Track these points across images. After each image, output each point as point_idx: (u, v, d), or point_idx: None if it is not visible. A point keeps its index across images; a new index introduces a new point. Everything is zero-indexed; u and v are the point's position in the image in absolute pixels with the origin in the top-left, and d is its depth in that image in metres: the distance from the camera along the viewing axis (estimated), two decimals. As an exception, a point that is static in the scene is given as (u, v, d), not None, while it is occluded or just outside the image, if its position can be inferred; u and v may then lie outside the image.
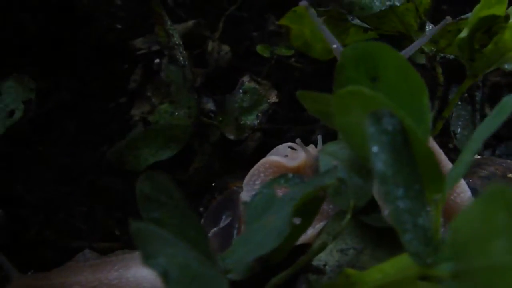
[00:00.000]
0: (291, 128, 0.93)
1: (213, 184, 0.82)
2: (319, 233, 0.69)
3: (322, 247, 0.65)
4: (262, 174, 0.72)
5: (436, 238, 0.55)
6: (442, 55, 0.82)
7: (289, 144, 0.76)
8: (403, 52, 0.69)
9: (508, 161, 0.80)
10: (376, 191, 0.65)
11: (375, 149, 0.49)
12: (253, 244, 0.58)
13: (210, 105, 0.90)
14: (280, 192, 0.63)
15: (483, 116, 1.01)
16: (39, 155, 0.90)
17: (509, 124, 1.02)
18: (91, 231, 0.87)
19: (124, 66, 0.96)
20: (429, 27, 0.83)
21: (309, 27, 0.90)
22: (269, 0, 1.01)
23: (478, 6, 0.72)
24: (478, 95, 0.93)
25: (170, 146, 0.88)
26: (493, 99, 1.04)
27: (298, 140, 0.75)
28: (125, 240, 0.86)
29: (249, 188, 0.72)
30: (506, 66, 0.78)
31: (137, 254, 0.76)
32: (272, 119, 0.92)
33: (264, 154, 0.91)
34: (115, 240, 0.86)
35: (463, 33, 0.73)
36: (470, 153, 0.55)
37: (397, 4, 0.74)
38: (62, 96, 0.93)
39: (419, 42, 0.67)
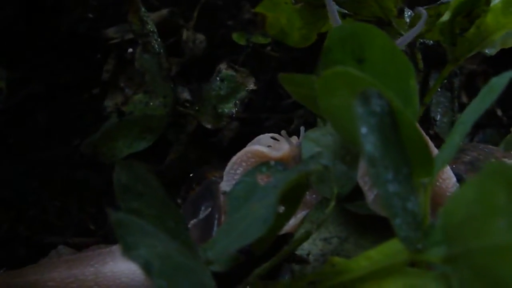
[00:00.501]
0: (269, 117, 0.91)
1: (191, 175, 0.80)
2: (302, 222, 0.68)
3: (306, 236, 0.63)
4: (244, 163, 0.70)
5: (425, 222, 0.54)
6: (421, 40, 0.81)
7: (271, 134, 0.75)
8: (398, 42, 0.67)
9: (490, 146, 0.79)
10: (360, 177, 0.64)
11: (363, 130, 0.48)
12: (236, 234, 0.56)
13: (185, 95, 0.88)
14: (262, 181, 0.61)
15: (460, 104, 1.01)
16: (9, 148, 0.87)
17: (487, 112, 1.02)
18: (65, 226, 0.84)
19: (96, 56, 0.93)
20: (407, 13, 0.82)
21: (285, 15, 0.89)
22: (242, -13, 0.99)
23: (460, -11, 0.71)
24: (456, 82, 0.92)
25: (146, 137, 0.85)
26: (469, 87, 1.04)
27: (283, 131, 0.73)
28: (101, 235, 0.83)
29: (229, 178, 0.70)
30: (487, 51, 0.77)
31: (114, 248, 0.74)
32: (249, 108, 0.90)
33: (241, 144, 0.89)
34: (90, 235, 0.83)
35: (445, 17, 0.72)
36: (458, 136, 0.54)
37: (379, -12, 0.73)
38: (33, 87, 0.90)
39: (414, 31, 0.66)
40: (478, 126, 0.98)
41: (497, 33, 0.71)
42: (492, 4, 0.71)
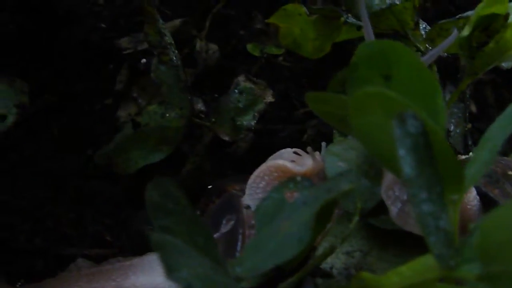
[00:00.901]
0: (283, 128, 0.91)
1: (209, 187, 0.80)
2: (323, 236, 0.68)
3: (331, 251, 0.64)
4: (266, 177, 0.70)
5: (455, 239, 0.55)
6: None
7: (294, 149, 0.75)
8: (424, 58, 0.68)
9: (506, 158, 0.80)
10: (384, 191, 0.65)
11: (402, 152, 0.48)
12: (267, 251, 0.56)
13: (200, 106, 0.88)
14: (288, 197, 0.61)
15: (470, 114, 1.02)
16: (24, 160, 0.87)
17: (492, 120, 1.04)
18: (81, 237, 0.84)
19: (109, 66, 0.93)
20: (422, 25, 0.83)
21: (298, 26, 0.89)
22: (255, -2, 1.00)
23: (480, 5, 0.72)
24: (467, 92, 0.93)
25: (162, 149, 0.86)
26: (477, 97, 1.05)
27: (309, 148, 0.74)
28: (118, 246, 0.83)
29: (251, 192, 0.70)
30: (503, 64, 0.78)
31: (135, 262, 0.74)
32: (263, 119, 0.90)
33: (256, 155, 0.90)
34: (107, 247, 0.83)
35: (465, 32, 0.72)
36: (488, 153, 0.55)
37: (397, 3, 0.74)
38: (46, 97, 0.90)
39: (441, 47, 0.66)
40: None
41: (516, 48, 0.72)
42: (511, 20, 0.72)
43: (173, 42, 0.84)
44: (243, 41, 0.96)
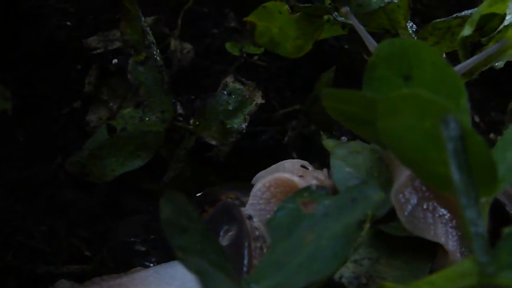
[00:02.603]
0: (264, 130, 0.88)
1: (199, 195, 0.76)
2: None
3: (344, 260, 0.61)
4: (272, 189, 0.67)
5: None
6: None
7: (302, 162, 0.72)
8: (457, 68, 0.67)
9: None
10: (394, 194, 0.63)
11: (450, 157, 0.47)
12: (292, 267, 0.53)
13: (177, 108, 0.84)
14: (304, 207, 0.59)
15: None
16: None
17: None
18: (55, 253, 0.78)
19: (77, 67, 0.87)
20: (409, 24, 0.81)
21: (277, 24, 0.86)
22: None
23: (483, 4, 0.71)
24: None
25: (140, 155, 0.81)
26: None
27: (324, 170, 0.71)
28: (98, 261, 0.78)
29: (254, 201, 0.67)
30: (496, 64, 0.78)
31: (124, 281, 0.69)
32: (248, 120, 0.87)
33: (238, 159, 0.86)
34: (86, 262, 0.78)
35: (467, 31, 0.71)
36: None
37: (395, 1, 0.72)
38: (8, 102, 0.83)
39: (481, 56, 0.65)
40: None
41: (513, 48, 0.72)
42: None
43: (155, 41, 0.79)
44: (216, 40, 0.92)
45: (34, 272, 0.75)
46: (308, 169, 0.73)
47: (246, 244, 0.65)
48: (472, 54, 0.72)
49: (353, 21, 0.70)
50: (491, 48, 0.66)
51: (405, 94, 0.50)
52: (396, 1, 0.72)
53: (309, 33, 0.84)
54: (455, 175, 0.47)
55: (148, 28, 0.79)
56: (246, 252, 0.65)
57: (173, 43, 0.88)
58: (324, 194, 0.59)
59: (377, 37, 0.81)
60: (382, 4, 0.72)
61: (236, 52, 0.88)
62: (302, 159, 0.87)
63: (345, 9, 0.72)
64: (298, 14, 0.84)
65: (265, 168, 0.76)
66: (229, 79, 0.81)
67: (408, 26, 0.80)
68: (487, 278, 0.49)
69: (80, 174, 0.82)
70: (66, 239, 0.79)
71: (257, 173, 0.76)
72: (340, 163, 0.66)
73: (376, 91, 0.60)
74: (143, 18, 0.79)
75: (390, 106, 0.51)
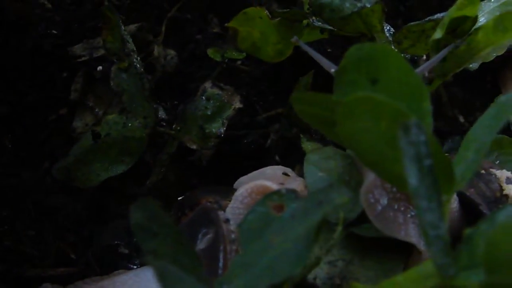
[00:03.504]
0: (246, 134, 0.90)
1: (180, 198, 0.78)
2: (307, 247, 0.67)
3: (317, 262, 0.63)
4: (253, 195, 0.69)
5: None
6: (404, 55, 0.82)
7: (284, 170, 0.74)
8: (418, 70, 0.68)
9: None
10: (363, 194, 0.64)
11: (407, 162, 0.48)
12: (259, 269, 0.55)
13: (160, 114, 0.85)
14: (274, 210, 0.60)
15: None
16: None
17: (448, 118, 1.05)
18: (43, 256, 0.80)
19: (63, 74, 0.89)
20: (386, 27, 0.83)
21: (258, 29, 0.88)
22: (209, 1, 0.97)
23: (453, 8, 0.72)
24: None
25: (124, 160, 0.82)
26: (432, 95, 1.06)
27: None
28: (83, 263, 0.80)
29: (234, 205, 0.69)
30: (470, 66, 0.79)
31: (105, 284, 0.71)
32: (227, 125, 0.88)
33: (221, 162, 0.88)
34: (72, 265, 0.80)
35: (438, 34, 0.73)
36: (475, 152, 0.55)
37: (368, 5, 0.73)
38: (-4, 109, 0.85)
39: (436, 59, 0.67)
40: (442, 135, 1.01)
41: (486, 50, 0.73)
42: (484, 23, 0.72)
43: (135, 49, 0.81)
44: (200, 46, 0.94)
45: (22, 276, 0.77)
46: (289, 176, 0.75)
47: (222, 247, 0.67)
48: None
49: (303, 46, 0.74)
50: (440, 53, 0.67)
51: (360, 97, 0.51)
52: (369, 6, 0.73)
53: (289, 38, 0.85)
54: (412, 179, 0.48)
55: (128, 36, 0.81)
56: (221, 255, 0.66)
57: (157, 50, 0.90)
58: (293, 198, 0.60)
59: (354, 41, 0.82)
60: (355, 9, 0.73)
61: (218, 58, 0.90)
62: (284, 161, 0.89)
63: (295, 39, 0.77)
64: (277, 19, 0.85)
65: (248, 171, 0.78)
66: (208, 85, 0.82)
67: (386, 29, 0.82)
68: (448, 279, 0.50)
69: (66, 180, 0.83)
70: (54, 243, 0.81)
71: (240, 176, 0.78)
72: (313, 168, 0.68)
73: (346, 94, 0.61)
74: (123, 27, 0.80)
75: (347, 110, 0.53)
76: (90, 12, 0.90)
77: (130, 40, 0.81)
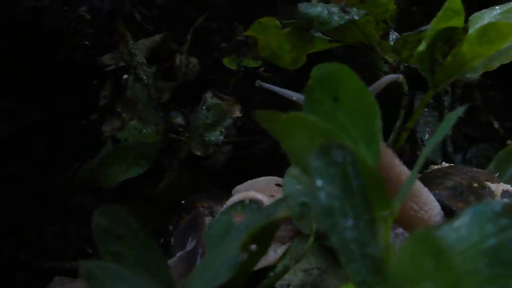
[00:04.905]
0: (262, 140, 0.92)
1: (183, 202, 0.82)
2: (282, 256, 0.70)
3: (284, 271, 0.65)
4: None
5: (388, 258, 0.55)
6: (405, 64, 0.82)
7: (277, 181, 0.77)
8: (371, 88, 0.69)
9: (475, 169, 0.80)
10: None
11: (319, 183, 0.49)
12: (208, 275, 0.58)
13: (179, 120, 0.90)
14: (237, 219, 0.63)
15: (457, 118, 1.01)
16: (9, 176, 0.90)
17: (482, 124, 1.03)
18: (63, 251, 0.87)
19: (93, 82, 0.96)
20: (393, 36, 0.83)
21: (275, 38, 0.90)
22: (236, 10, 1.00)
23: (435, 19, 0.71)
24: (446, 99, 0.93)
25: (140, 163, 0.88)
26: (465, 100, 1.04)
27: None
28: (97, 258, 0.86)
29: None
30: (469, 76, 0.78)
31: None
32: (242, 131, 0.92)
33: (235, 167, 0.91)
34: (87, 259, 0.86)
35: (422, 46, 0.72)
36: (416, 169, 0.56)
37: (356, 18, 0.74)
38: (32, 115, 0.93)
39: (386, 79, 0.68)
40: (472, 141, 0.99)
41: (475, 60, 0.72)
42: (469, 34, 0.71)
43: (144, 61, 0.86)
44: (224, 54, 0.97)
45: (41, 267, 0.84)
46: (282, 186, 0.77)
47: (200, 251, 0.70)
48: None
49: (264, 85, 0.77)
50: (384, 78, 0.67)
51: (294, 116, 0.53)
52: (357, 18, 0.74)
53: (300, 46, 0.87)
54: (322, 199, 0.49)
55: (137, 50, 0.86)
56: (198, 258, 0.70)
57: (179, 58, 0.94)
58: (254, 209, 0.63)
59: (354, 50, 0.83)
60: (342, 22, 0.74)
61: (233, 67, 0.93)
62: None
63: (257, 83, 0.79)
64: (288, 28, 0.87)
65: (260, 177, 0.81)
66: (208, 95, 0.86)
67: (391, 38, 0.82)
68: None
69: (90, 181, 0.90)
70: (75, 239, 0.88)
71: (253, 181, 0.81)
72: (292, 180, 0.70)
73: (314, 112, 0.63)
74: (131, 41, 0.86)
75: (286, 127, 0.55)
76: (120, 24, 0.96)
77: (139, 53, 0.86)
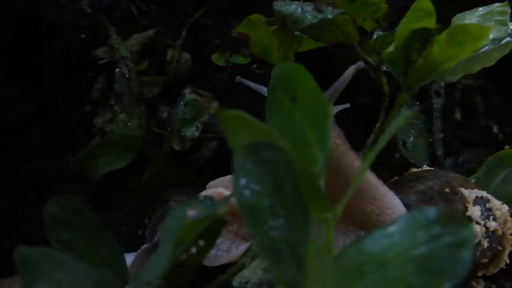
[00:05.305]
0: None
1: (158, 196, 0.83)
2: (244, 254, 0.70)
3: (240, 268, 0.66)
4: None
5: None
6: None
7: None
8: (326, 93, 0.69)
9: (451, 174, 0.78)
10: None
11: (242, 181, 0.49)
12: (152, 266, 0.59)
13: (166, 114, 0.91)
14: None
15: (454, 121, 0.99)
16: (4, 164, 0.93)
17: (481, 128, 1.00)
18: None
19: (88, 75, 0.97)
20: (377, 35, 0.82)
21: (265, 35, 0.90)
22: (233, 6, 1.01)
23: (404, 20, 0.70)
24: (438, 102, 0.91)
25: (125, 156, 0.90)
26: (465, 103, 1.02)
27: None
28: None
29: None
30: (448, 78, 0.76)
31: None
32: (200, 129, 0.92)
33: (219, 163, 0.92)
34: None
35: (391, 47, 0.71)
36: (360, 174, 0.55)
37: (329, 16, 0.73)
38: (27, 105, 0.96)
39: (348, 72, 0.67)
40: (469, 145, 0.97)
41: (447, 63, 0.70)
42: (440, 36, 0.69)
43: (128, 56, 0.88)
44: (218, 50, 0.98)
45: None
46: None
47: (160, 244, 0.71)
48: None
49: (244, 81, 0.80)
50: (341, 79, 0.66)
51: (234, 115, 0.53)
52: (330, 17, 0.73)
53: (287, 44, 0.87)
54: (245, 197, 0.49)
55: (121, 45, 0.87)
56: (158, 251, 0.71)
57: (170, 53, 0.95)
58: (208, 205, 0.63)
59: (336, 49, 0.82)
60: (315, 21, 0.73)
61: (222, 63, 0.93)
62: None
63: (237, 79, 0.82)
64: (274, 26, 0.87)
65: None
66: (187, 91, 0.86)
67: (375, 36, 0.81)
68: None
69: (79, 170, 0.92)
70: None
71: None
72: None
73: (275, 112, 0.63)
74: (114, 36, 0.87)
75: (229, 126, 0.55)
76: (114, 18, 0.97)
77: (123, 48, 0.87)
